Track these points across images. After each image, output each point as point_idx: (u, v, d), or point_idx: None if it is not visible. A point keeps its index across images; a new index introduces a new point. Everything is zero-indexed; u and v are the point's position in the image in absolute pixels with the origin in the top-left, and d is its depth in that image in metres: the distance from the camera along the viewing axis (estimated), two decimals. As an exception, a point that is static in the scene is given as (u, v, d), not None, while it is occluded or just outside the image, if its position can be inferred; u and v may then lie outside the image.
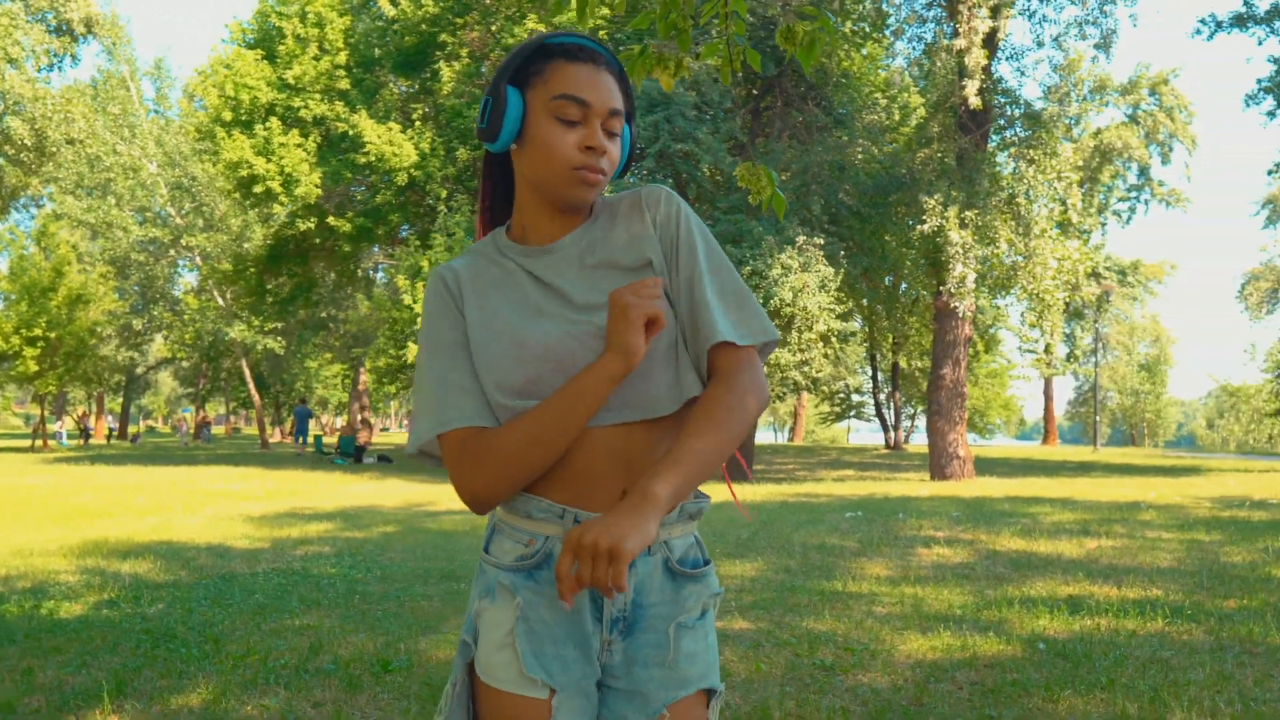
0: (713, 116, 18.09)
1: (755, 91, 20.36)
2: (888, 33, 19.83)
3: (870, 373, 36.21)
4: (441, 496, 13.88)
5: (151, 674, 4.13)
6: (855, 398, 53.01)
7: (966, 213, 16.35)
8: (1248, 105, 21.43)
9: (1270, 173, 22.62)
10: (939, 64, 17.51)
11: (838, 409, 55.45)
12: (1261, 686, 3.76)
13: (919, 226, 16.48)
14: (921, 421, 54.69)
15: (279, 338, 34.01)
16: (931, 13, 17.68)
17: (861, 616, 5.21)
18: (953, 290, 16.51)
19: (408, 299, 19.12)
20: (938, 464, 17.57)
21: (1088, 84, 32.52)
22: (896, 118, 25.19)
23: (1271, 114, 20.90)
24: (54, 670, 4.17)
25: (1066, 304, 20.42)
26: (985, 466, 21.61)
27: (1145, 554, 7.47)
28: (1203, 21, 20.47)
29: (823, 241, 16.91)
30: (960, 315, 17.05)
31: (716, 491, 10.89)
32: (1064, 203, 16.98)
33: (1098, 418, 38.80)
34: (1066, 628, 4.89)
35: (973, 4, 15.80)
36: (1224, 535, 8.54)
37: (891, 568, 7.02)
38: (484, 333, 1.41)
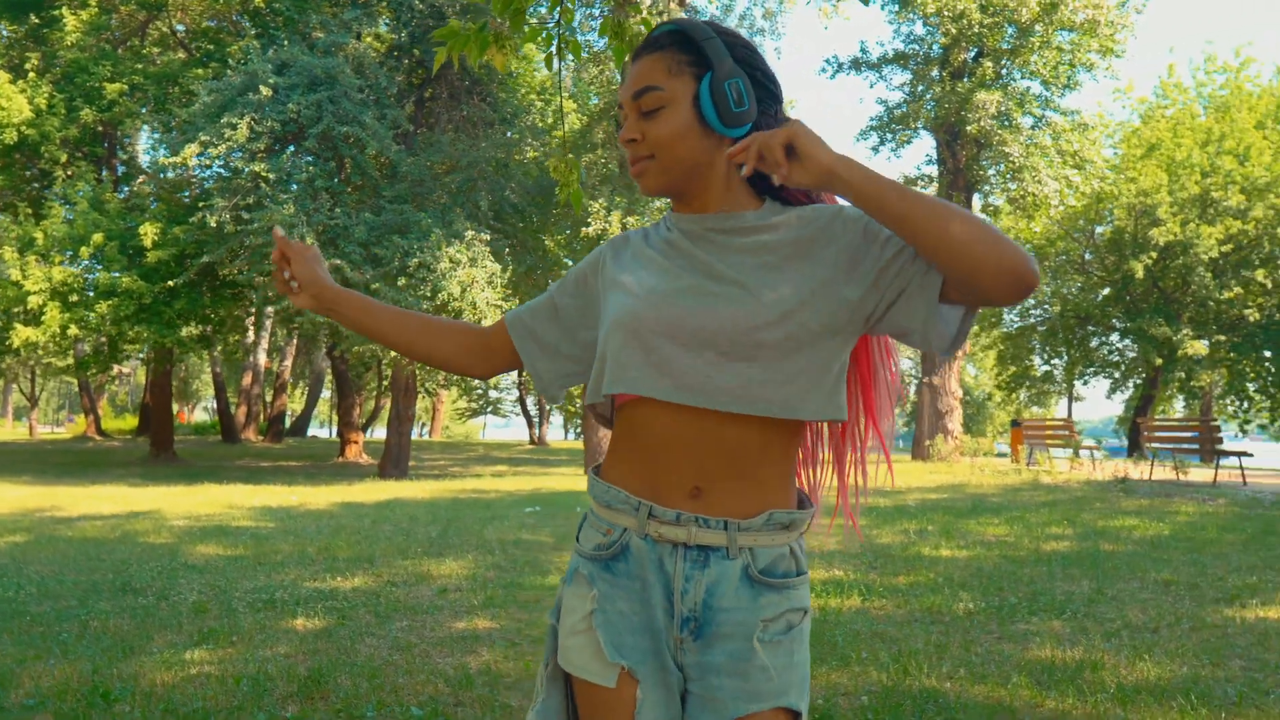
0: (377, 101, 17.49)
1: (416, 81, 19.95)
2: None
3: (517, 370, 36.55)
4: (67, 500, 12.30)
5: None
6: (493, 394, 53.61)
7: (629, 218, 17.09)
8: (858, 140, 24.21)
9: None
10: (605, 72, 18.14)
11: (475, 405, 55.75)
12: (971, 650, 4.30)
13: (584, 229, 16.98)
14: (557, 418, 56.35)
15: None
16: (600, 22, 18.28)
17: (598, 609, 5.30)
18: (613, 292, 17.19)
19: (15, 274, 16.67)
20: (592, 458, 18.18)
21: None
22: (551, 121, 25.77)
23: (875, 149, 23.76)
24: None
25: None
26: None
27: (811, 539, 8.24)
28: (828, 61, 22.85)
29: (489, 238, 16.91)
30: (619, 316, 17.80)
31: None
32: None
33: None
34: (785, 609, 5.27)
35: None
36: (866, 520, 9.60)
37: (595, 560, 7.19)
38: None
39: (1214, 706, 3.42)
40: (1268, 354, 25.76)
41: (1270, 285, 24.07)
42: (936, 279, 1.31)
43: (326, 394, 53.00)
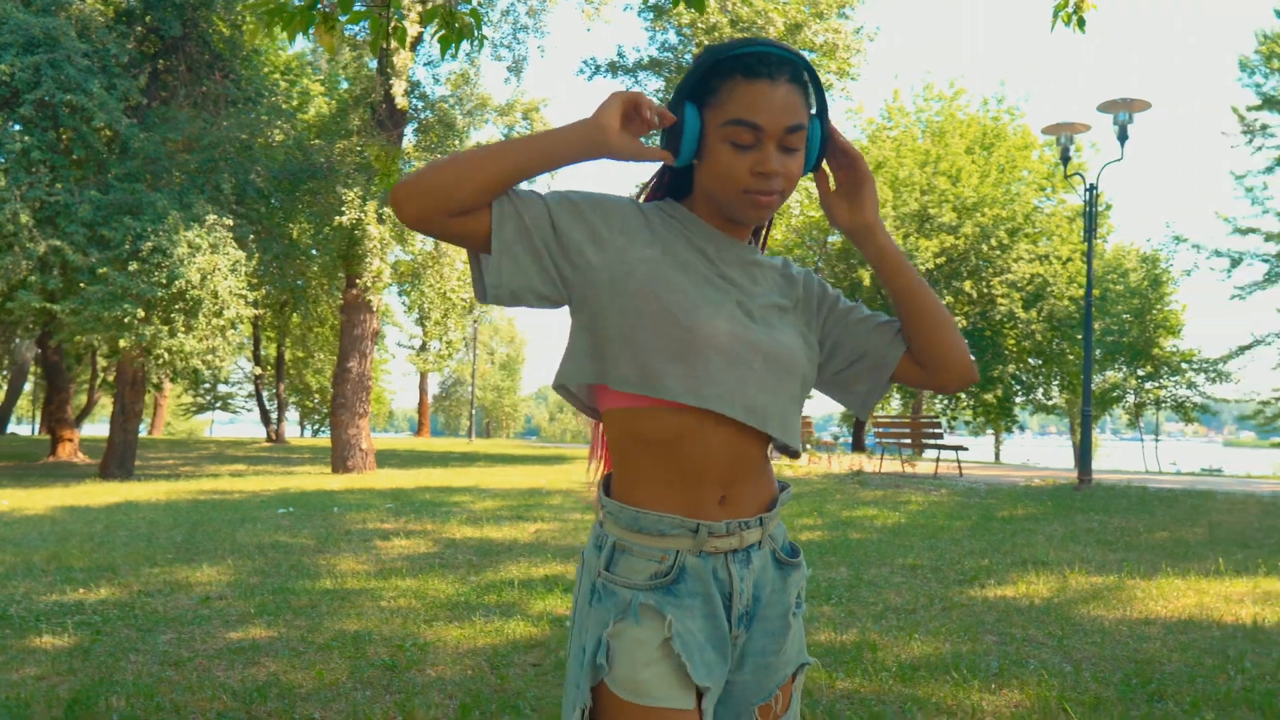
0: (105, 69, 16.02)
1: (149, 51, 18.44)
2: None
3: (254, 363, 34.44)
4: None
5: None
6: (222, 388, 50.42)
7: (385, 209, 16.60)
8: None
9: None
10: (361, 56, 17.53)
11: (202, 400, 52.19)
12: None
13: (338, 218, 16.33)
14: (293, 414, 53.72)
15: None
16: (359, 7, 17.62)
17: (382, 613, 5.13)
18: (368, 284, 16.63)
19: None
20: (340, 456, 17.55)
21: (470, 101, 34.89)
22: (295, 103, 24.60)
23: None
24: None
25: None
26: (378, 458, 22.02)
27: (583, 534, 8.34)
28: (585, 63, 23.14)
29: (232, 223, 15.91)
30: (373, 309, 17.24)
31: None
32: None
33: (474, 410, 41.65)
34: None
35: (404, 7, 16.09)
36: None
37: (366, 563, 6.96)
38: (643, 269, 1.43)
39: (983, 678, 3.77)
40: (972, 358, 28.58)
41: (976, 295, 26.67)
42: (896, 353, 1.55)
43: (28, 387, 47.97)
